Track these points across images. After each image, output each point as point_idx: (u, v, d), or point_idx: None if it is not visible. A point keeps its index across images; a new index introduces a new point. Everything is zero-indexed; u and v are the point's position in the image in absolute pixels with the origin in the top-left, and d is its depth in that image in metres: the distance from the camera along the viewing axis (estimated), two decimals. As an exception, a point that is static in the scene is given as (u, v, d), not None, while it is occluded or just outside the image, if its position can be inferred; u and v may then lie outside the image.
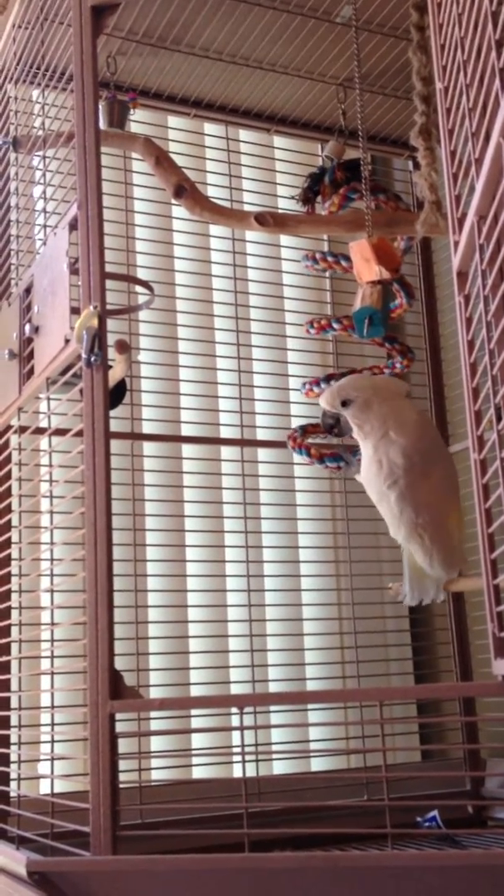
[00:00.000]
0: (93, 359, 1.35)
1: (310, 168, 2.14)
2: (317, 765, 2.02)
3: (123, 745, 1.31)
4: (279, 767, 1.97)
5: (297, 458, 1.90)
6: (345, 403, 1.57)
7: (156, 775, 1.83)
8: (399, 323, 2.15)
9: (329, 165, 1.93)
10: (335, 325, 1.86)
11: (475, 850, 1.51)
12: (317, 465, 1.86)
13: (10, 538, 1.66)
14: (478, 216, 1.10)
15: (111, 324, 1.48)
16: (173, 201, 1.83)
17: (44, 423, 1.56)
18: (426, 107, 1.57)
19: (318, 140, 2.21)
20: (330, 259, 1.88)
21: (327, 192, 1.88)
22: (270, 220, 1.74)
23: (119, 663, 1.32)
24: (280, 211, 2.06)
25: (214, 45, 1.89)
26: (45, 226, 1.57)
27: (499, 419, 1.09)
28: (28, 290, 1.59)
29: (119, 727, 1.30)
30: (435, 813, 1.69)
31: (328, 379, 1.84)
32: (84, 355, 1.35)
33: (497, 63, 0.96)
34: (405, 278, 1.85)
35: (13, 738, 1.62)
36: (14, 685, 1.65)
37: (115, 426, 1.63)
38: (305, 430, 1.88)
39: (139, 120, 2.02)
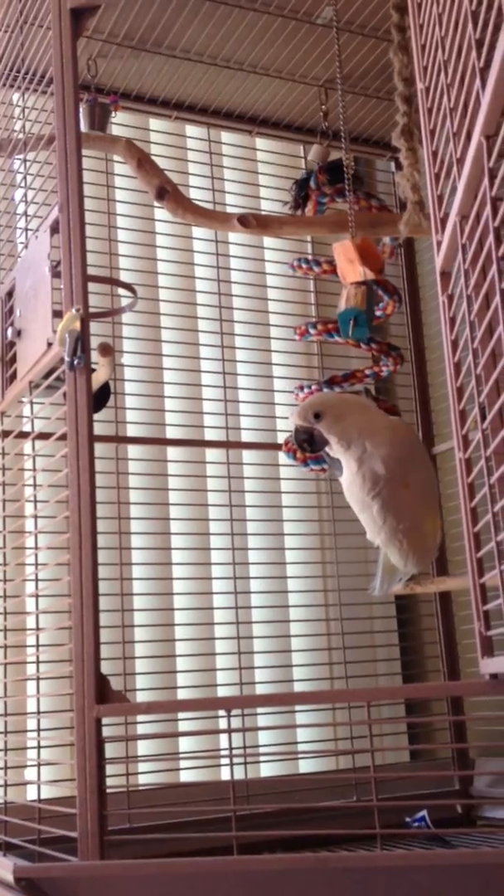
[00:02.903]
0: (76, 362, 1.34)
1: (292, 169, 2.14)
2: (305, 766, 2.01)
3: (110, 750, 1.31)
4: (267, 770, 1.97)
5: (285, 460, 1.90)
6: (317, 416, 1.58)
7: (143, 779, 1.82)
8: (384, 324, 2.15)
9: (314, 169, 1.94)
10: (311, 331, 1.86)
11: (464, 850, 1.51)
12: (303, 467, 1.86)
13: (-6, 543, 1.65)
14: (460, 216, 1.11)
15: (94, 327, 1.48)
16: (156, 203, 1.83)
17: (27, 427, 1.56)
18: (408, 107, 1.57)
19: (301, 141, 2.21)
20: (304, 265, 1.88)
21: (315, 196, 1.88)
22: (253, 222, 1.74)
23: (105, 667, 1.31)
24: (263, 212, 2.06)
25: (195, 48, 1.89)
26: (26, 229, 1.57)
27: (483, 418, 1.09)
28: (10, 294, 1.59)
29: (106, 731, 1.29)
30: (424, 813, 1.69)
31: (330, 383, 1.84)
32: (67, 358, 1.35)
33: (477, 63, 0.96)
34: (388, 280, 1.85)
35: (-1, 744, 1.61)
36: None
37: (98, 429, 1.62)
38: None
39: (121, 122, 2.02)
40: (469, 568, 1.15)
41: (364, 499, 1.57)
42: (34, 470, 1.54)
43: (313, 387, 1.82)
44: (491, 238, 0.95)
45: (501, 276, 0.93)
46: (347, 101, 1.94)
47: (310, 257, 1.90)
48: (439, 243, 1.23)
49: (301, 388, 1.85)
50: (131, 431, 1.98)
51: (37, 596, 1.48)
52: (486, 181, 0.96)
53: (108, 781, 1.29)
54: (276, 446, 2.02)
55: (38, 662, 1.51)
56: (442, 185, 1.21)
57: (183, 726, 1.80)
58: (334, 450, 1.60)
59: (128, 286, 1.80)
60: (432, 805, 1.73)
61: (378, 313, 1.83)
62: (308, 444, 1.62)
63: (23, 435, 1.59)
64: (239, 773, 1.79)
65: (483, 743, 1.95)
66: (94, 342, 1.48)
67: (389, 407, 1.80)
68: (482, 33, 0.94)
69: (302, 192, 1.90)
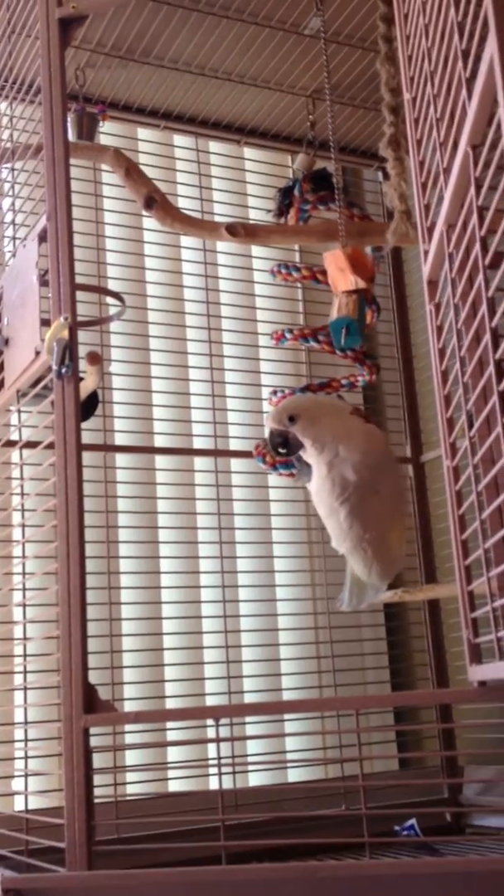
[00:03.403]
0: (64, 370, 1.34)
1: (280, 179, 2.15)
2: (294, 775, 2.01)
3: (98, 760, 1.30)
4: (256, 779, 1.96)
5: (259, 465, 1.90)
6: (292, 420, 1.58)
7: (131, 789, 1.82)
8: (372, 332, 2.16)
9: (299, 178, 1.94)
10: (287, 335, 1.86)
11: (453, 858, 1.51)
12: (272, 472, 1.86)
13: (-18, 552, 1.65)
14: (447, 225, 1.11)
15: (82, 335, 1.48)
16: (144, 213, 1.83)
17: (15, 436, 1.55)
18: (395, 117, 1.58)
19: (288, 151, 2.22)
20: (284, 271, 1.88)
21: (297, 204, 1.89)
22: (242, 231, 1.74)
23: (93, 677, 1.31)
24: (251, 221, 2.06)
25: (183, 58, 1.90)
26: (14, 238, 1.57)
27: (470, 426, 1.09)
28: (-2, 303, 1.58)
29: (94, 741, 1.29)
30: (413, 821, 1.69)
31: (305, 390, 1.84)
32: (55, 367, 1.35)
33: (464, 73, 0.96)
34: (368, 290, 1.86)
35: (-13, 755, 1.60)
36: (-13, 701, 1.63)
37: (87, 438, 1.62)
38: None
39: (109, 132, 2.02)
40: (457, 575, 1.16)
41: (332, 504, 1.55)
42: (22, 479, 1.53)
43: (286, 391, 1.82)
44: (477, 247, 0.95)
45: (488, 284, 0.94)
46: (335, 112, 1.95)
47: (289, 263, 1.91)
48: (426, 252, 1.23)
49: (275, 392, 1.85)
50: (119, 440, 1.98)
51: (24, 605, 1.47)
52: (472, 191, 0.97)
53: (96, 791, 1.29)
54: (264, 455, 2.02)
55: (25, 672, 1.50)
56: (429, 195, 1.22)
57: (171, 736, 1.79)
58: (308, 453, 1.59)
59: (116, 295, 1.81)
60: (421, 813, 1.73)
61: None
62: (283, 448, 1.61)
63: (10, 444, 1.59)
64: (227, 783, 1.79)
65: (472, 750, 1.95)
66: (83, 351, 1.48)
67: (361, 413, 1.80)
68: (468, 44, 0.95)
69: (286, 199, 1.91)
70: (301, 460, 1.63)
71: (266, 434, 1.66)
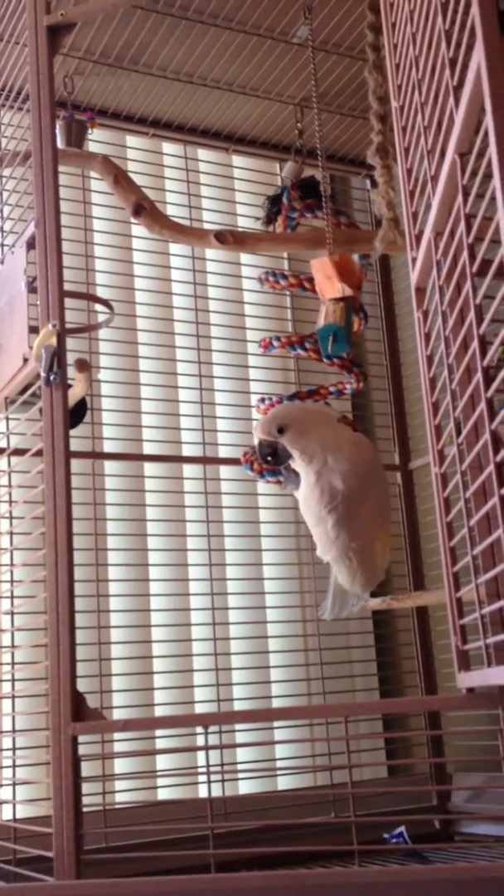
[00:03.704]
0: (52, 377, 1.34)
1: (268, 186, 2.15)
2: (283, 783, 2.01)
3: (87, 768, 1.30)
4: (245, 787, 1.96)
5: (246, 472, 1.90)
6: (280, 430, 1.58)
7: (120, 797, 1.81)
8: (360, 340, 2.16)
9: (287, 186, 1.95)
10: (275, 343, 1.86)
11: (441, 866, 1.51)
12: (259, 479, 1.86)
13: (-31, 560, 1.64)
14: (434, 233, 1.12)
15: (70, 342, 1.48)
16: (132, 220, 1.83)
17: (3, 443, 1.55)
18: (382, 125, 1.59)
19: (277, 159, 2.22)
20: (271, 279, 1.89)
21: (285, 211, 1.89)
22: (230, 238, 1.75)
23: (81, 685, 1.30)
24: (240, 229, 2.07)
25: (172, 65, 1.90)
26: (2, 244, 1.57)
27: (458, 433, 1.09)
28: (-14, 310, 1.58)
29: (82, 749, 1.28)
30: (402, 829, 1.69)
31: (293, 398, 1.84)
32: (43, 374, 1.34)
33: (451, 81, 0.97)
34: (355, 298, 1.86)
35: (-26, 764, 1.59)
36: (-25, 709, 1.62)
37: (75, 445, 1.62)
38: None
39: (97, 139, 2.02)
40: (445, 582, 1.16)
41: (320, 513, 1.56)
42: (10, 486, 1.53)
43: (274, 399, 1.82)
44: (465, 254, 0.96)
45: (476, 292, 0.94)
46: (323, 120, 1.95)
47: (276, 271, 1.91)
48: (414, 260, 1.24)
49: (262, 399, 1.85)
50: (108, 447, 1.98)
51: (12, 613, 1.47)
52: (459, 198, 0.97)
53: (85, 800, 1.28)
54: (253, 462, 2.02)
55: (13, 680, 1.50)
56: (416, 203, 1.22)
57: (160, 743, 1.79)
58: (296, 463, 1.59)
59: (104, 302, 1.81)
60: (410, 821, 1.73)
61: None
62: (272, 458, 1.61)
63: (-2, 451, 1.59)
64: (217, 791, 1.78)
65: (461, 758, 1.95)
66: (71, 358, 1.48)
67: (348, 421, 1.80)
68: (455, 53, 0.96)
69: (274, 207, 1.92)
70: (289, 469, 1.63)
71: (255, 443, 1.66)
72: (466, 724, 1.85)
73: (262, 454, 1.62)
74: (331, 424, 1.62)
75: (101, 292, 1.97)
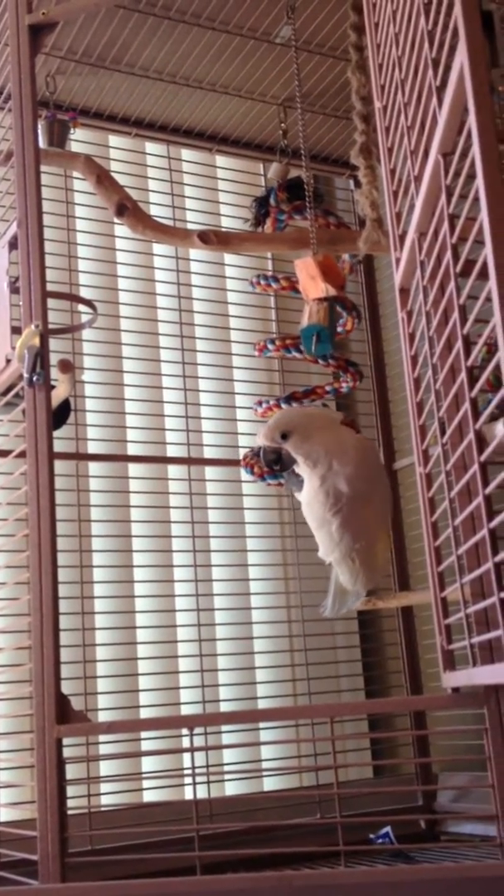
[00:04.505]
0: (35, 378, 1.33)
1: (252, 186, 2.15)
2: (269, 784, 2.00)
3: (71, 771, 1.29)
4: (231, 788, 1.96)
5: (247, 475, 1.90)
6: (284, 436, 1.58)
7: (105, 800, 1.80)
8: (344, 340, 2.16)
9: (273, 187, 1.95)
10: (270, 346, 1.86)
11: (427, 866, 1.51)
12: (261, 482, 1.86)
13: (-48, 562, 1.63)
14: (418, 233, 1.12)
15: (53, 343, 1.47)
16: (115, 220, 1.83)
17: (-14, 445, 1.54)
18: (366, 126, 1.59)
19: (260, 159, 2.22)
20: (263, 282, 1.88)
21: (274, 213, 1.89)
22: (214, 239, 1.74)
23: (66, 687, 1.30)
24: (223, 229, 2.06)
25: (154, 65, 1.89)
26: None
27: (443, 433, 1.09)
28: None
29: (67, 752, 1.27)
30: (388, 829, 1.69)
31: (289, 399, 1.83)
32: (26, 375, 1.34)
33: (434, 82, 0.97)
34: (347, 297, 1.86)
35: (-42, 767, 1.58)
36: (-41, 713, 1.61)
37: (59, 446, 1.61)
38: (259, 454, 1.87)
39: (80, 139, 2.02)
40: (430, 582, 1.16)
41: (325, 515, 1.57)
42: (-7, 488, 1.52)
43: (272, 402, 1.82)
44: (449, 255, 0.96)
45: (459, 292, 0.94)
46: (306, 120, 1.95)
47: (268, 274, 1.91)
48: (398, 260, 1.24)
49: (260, 403, 1.85)
50: (92, 448, 1.97)
51: (-4, 615, 1.46)
52: (443, 198, 0.97)
53: (70, 803, 1.27)
54: (238, 462, 2.02)
55: (-3, 683, 1.49)
56: (400, 203, 1.22)
57: (146, 745, 1.78)
58: (300, 468, 1.60)
59: (88, 302, 1.80)
60: (396, 821, 1.73)
61: (338, 329, 1.84)
62: (276, 464, 1.61)
63: (-19, 452, 1.58)
64: (202, 792, 1.78)
65: (446, 757, 1.96)
66: (54, 358, 1.47)
67: (349, 422, 1.80)
68: (438, 53, 0.96)
69: (262, 209, 1.91)
70: (290, 471, 1.63)
71: (260, 450, 1.66)
72: (452, 723, 1.86)
73: (266, 461, 1.62)
74: (334, 428, 1.63)
75: (84, 293, 1.97)
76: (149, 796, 1.80)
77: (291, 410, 1.76)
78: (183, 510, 2.01)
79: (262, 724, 1.90)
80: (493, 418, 1.10)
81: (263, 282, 1.88)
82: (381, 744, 2.15)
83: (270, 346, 1.85)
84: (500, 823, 1.13)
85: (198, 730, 1.31)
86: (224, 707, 1.97)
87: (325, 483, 1.56)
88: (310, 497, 1.59)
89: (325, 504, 1.56)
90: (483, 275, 0.82)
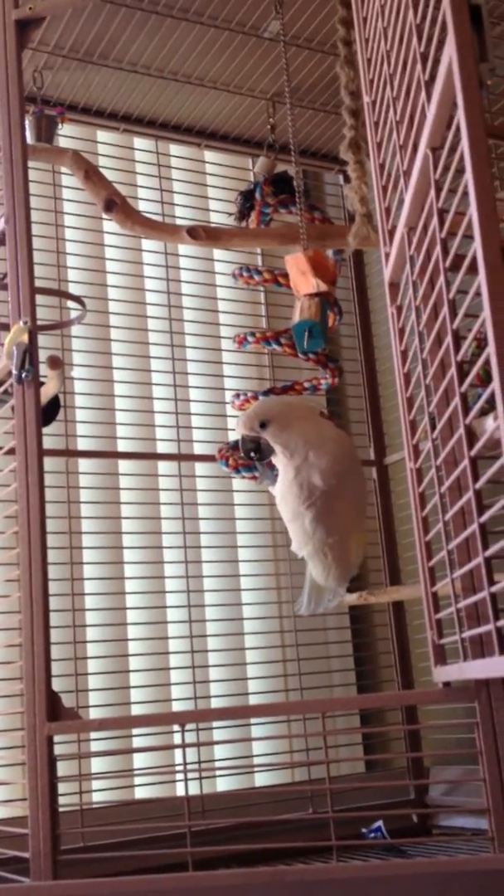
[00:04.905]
0: (24, 375, 1.33)
1: (241, 182, 2.14)
2: (261, 780, 2.00)
3: (63, 768, 1.29)
4: (223, 784, 1.96)
5: (221, 468, 1.90)
6: (263, 425, 1.57)
7: (97, 797, 1.80)
8: (334, 335, 2.16)
9: (260, 181, 1.94)
10: (249, 339, 1.85)
11: (420, 860, 1.51)
12: (235, 475, 1.85)
13: None
14: (407, 227, 1.12)
15: (42, 339, 1.47)
16: (104, 215, 1.82)
17: (-25, 442, 1.53)
18: (355, 120, 1.59)
19: (249, 154, 2.22)
20: (246, 274, 1.88)
21: (258, 207, 1.89)
22: (203, 234, 1.74)
23: (57, 684, 1.30)
24: (212, 224, 2.06)
25: (142, 60, 1.89)
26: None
27: (433, 428, 1.10)
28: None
29: (58, 749, 1.27)
30: (380, 823, 1.69)
31: (268, 393, 1.83)
32: (15, 372, 1.33)
33: (423, 76, 0.97)
34: (330, 293, 1.86)
35: (-51, 765, 1.58)
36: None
37: (48, 443, 1.60)
38: (235, 447, 1.87)
39: (68, 134, 2.01)
40: (421, 577, 1.16)
41: (298, 508, 1.56)
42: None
43: (249, 394, 1.82)
44: (438, 249, 0.96)
45: (449, 287, 0.94)
46: (295, 115, 1.95)
47: (251, 266, 1.90)
48: (387, 255, 1.24)
49: (238, 395, 1.85)
50: (82, 445, 1.97)
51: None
52: (432, 193, 0.97)
53: (61, 800, 1.27)
54: (228, 458, 2.02)
55: (-13, 681, 1.48)
56: (389, 198, 1.22)
57: (137, 742, 1.78)
58: (277, 458, 1.59)
59: (76, 298, 1.79)
60: (388, 815, 1.73)
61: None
62: (255, 454, 1.61)
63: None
64: (194, 789, 1.78)
65: (438, 751, 1.96)
66: (43, 355, 1.47)
67: (328, 418, 1.80)
68: (427, 47, 0.95)
69: (247, 203, 1.91)
70: (264, 464, 1.63)
71: (230, 440, 1.65)
72: (443, 717, 1.86)
73: (245, 449, 1.61)
74: (313, 419, 1.62)
75: (72, 289, 1.96)
76: (140, 793, 1.80)
77: (271, 400, 1.75)
78: (173, 506, 2.01)
79: (253, 720, 1.90)
80: (483, 413, 1.10)
81: (246, 273, 1.88)
82: (373, 738, 2.15)
83: (250, 339, 1.85)
84: (491, 817, 1.13)
85: (189, 726, 1.30)
86: (215, 703, 1.97)
87: (300, 475, 1.56)
88: (284, 489, 1.58)
89: (300, 497, 1.55)
90: (472, 269, 0.82)
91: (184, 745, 1.27)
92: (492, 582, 0.89)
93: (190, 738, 1.64)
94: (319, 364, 1.81)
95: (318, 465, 1.55)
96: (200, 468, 2.08)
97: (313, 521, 1.55)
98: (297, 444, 1.56)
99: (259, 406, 1.64)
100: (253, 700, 2.03)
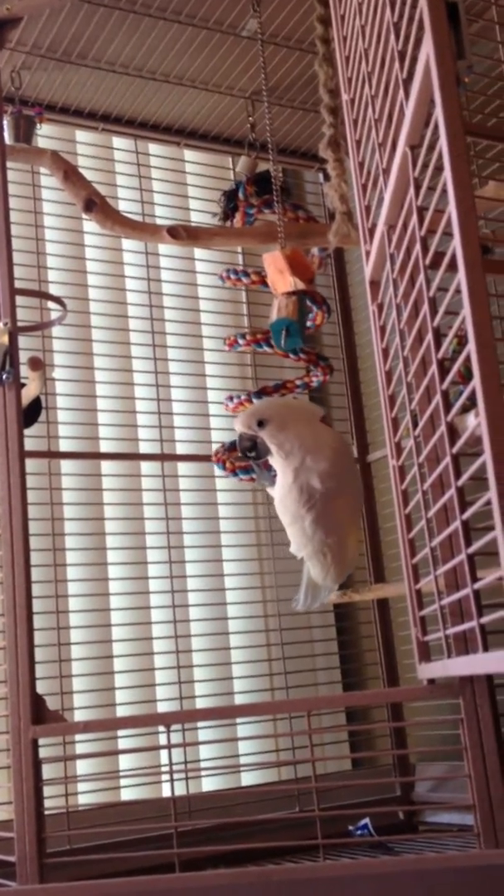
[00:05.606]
0: (5, 377, 1.32)
1: (221, 181, 2.14)
2: (247, 779, 2.00)
3: (48, 771, 1.29)
4: (209, 784, 1.95)
5: (217, 471, 1.90)
6: (261, 424, 1.58)
7: (83, 799, 1.80)
8: (316, 333, 2.16)
9: (242, 181, 1.94)
10: (240, 341, 1.85)
11: (408, 857, 1.52)
12: (232, 477, 1.85)
13: None
14: (387, 226, 1.12)
15: (23, 341, 1.46)
16: (84, 216, 1.82)
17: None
18: (334, 118, 1.59)
19: (229, 153, 2.21)
20: (233, 277, 1.88)
21: (243, 207, 1.89)
22: (183, 234, 1.73)
23: (41, 687, 1.29)
24: (193, 224, 2.05)
25: (120, 59, 1.88)
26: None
27: (415, 426, 1.10)
28: None
29: (43, 752, 1.27)
30: (366, 821, 1.70)
31: (260, 394, 1.83)
32: (-5, 373, 1.33)
33: (401, 74, 0.97)
34: (316, 291, 1.86)
35: None
36: None
37: (30, 445, 1.60)
38: (231, 449, 1.87)
39: (46, 134, 2.00)
40: (405, 574, 1.16)
41: (298, 511, 1.57)
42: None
43: (243, 397, 1.82)
44: (418, 247, 0.96)
45: (429, 284, 0.94)
46: (274, 113, 1.95)
47: (239, 268, 1.90)
48: (368, 253, 1.24)
49: (231, 398, 1.85)
50: (64, 446, 1.96)
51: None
52: (411, 191, 0.97)
53: (47, 803, 1.27)
54: (211, 458, 2.01)
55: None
56: (369, 196, 1.22)
57: (123, 743, 1.77)
58: (274, 459, 1.60)
59: (57, 299, 1.78)
60: (374, 812, 1.73)
61: (308, 324, 1.84)
62: (251, 452, 1.61)
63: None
64: (180, 789, 1.77)
65: (423, 748, 1.97)
66: (24, 356, 1.46)
67: (328, 423, 1.80)
68: (404, 45, 0.96)
69: (230, 203, 1.90)
70: (259, 463, 1.63)
71: (230, 445, 1.66)
72: (428, 714, 1.86)
73: (241, 448, 1.62)
74: (312, 422, 1.63)
75: (53, 289, 1.95)
76: (126, 794, 1.79)
77: (271, 400, 1.76)
78: (156, 507, 2.00)
79: (239, 720, 1.90)
80: (465, 410, 1.10)
81: (234, 276, 1.87)
82: (359, 735, 2.16)
83: (241, 341, 1.85)
84: (476, 812, 1.13)
85: (175, 726, 1.30)
86: (201, 703, 1.97)
87: (299, 479, 1.57)
88: (283, 493, 1.59)
89: (299, 500, 1.56)
90: (452, 267, 0.82)
91: (169, 746, 1.26)
92: (475, 579, 0.89)
93: (175, 738, 1.64)
94: (310, 362, 1.82)
95: (316, 469, 1.56)
96: (183, 468, 2.08)
97: (313, 523, 1.56)
98: (292, 445, 1.57)
99: (259, 405, 1.65)
100: (238, 699, 2.03)
